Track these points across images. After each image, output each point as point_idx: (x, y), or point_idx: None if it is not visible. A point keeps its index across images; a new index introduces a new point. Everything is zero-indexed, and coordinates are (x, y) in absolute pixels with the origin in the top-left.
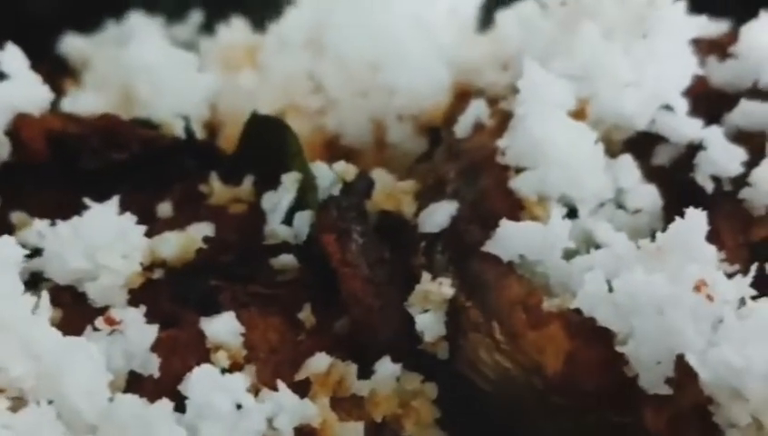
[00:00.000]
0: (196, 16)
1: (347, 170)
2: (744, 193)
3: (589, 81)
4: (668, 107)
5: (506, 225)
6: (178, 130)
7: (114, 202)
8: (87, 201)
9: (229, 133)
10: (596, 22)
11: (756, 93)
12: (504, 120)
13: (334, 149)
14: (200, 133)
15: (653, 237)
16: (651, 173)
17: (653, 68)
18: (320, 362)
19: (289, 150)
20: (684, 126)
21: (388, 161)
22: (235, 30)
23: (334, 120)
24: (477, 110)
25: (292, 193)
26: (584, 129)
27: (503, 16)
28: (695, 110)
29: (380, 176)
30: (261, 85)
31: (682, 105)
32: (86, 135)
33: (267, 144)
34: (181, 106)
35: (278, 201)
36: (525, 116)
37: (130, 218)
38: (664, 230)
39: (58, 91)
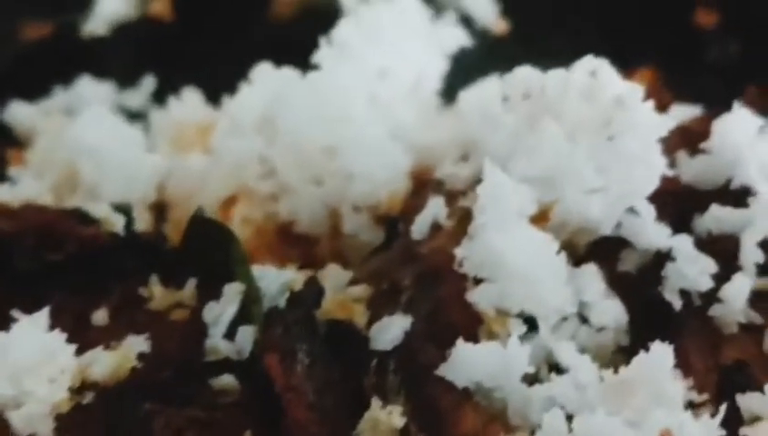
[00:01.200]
0: (149, 82)
1: (295, 278)
2: (715, 310)
3: (552, 185)
4: (634, 211)
5: (462, 348)
6: (118, 226)
7: (44, 314)
8: (16, 313)
9: (176, 217)
10: (560, 119)
11: (728, 193)
12: (463, 220)
13: (287, 236)
14: (146, 218)
15: (617, 362)
16: (616, 281)
17: (619, 171)
18: None
19: (233, 258)
20: (651, 233)
21: (343, 250)
22: (187, 104)
23: (287, 206)
24: (435, 209)
25: (235, 306)
26: (546, 239)
27: (465, 97)
28: (663, 210)
29: (334, 274)
30: (212, 168)
31: (649, 211)
32: (21, 233)
33: (210, 249)
34: (127, 190)
35: (220, 313)
36: (484, 226)
37: (59, 336)
38: (629, 351)
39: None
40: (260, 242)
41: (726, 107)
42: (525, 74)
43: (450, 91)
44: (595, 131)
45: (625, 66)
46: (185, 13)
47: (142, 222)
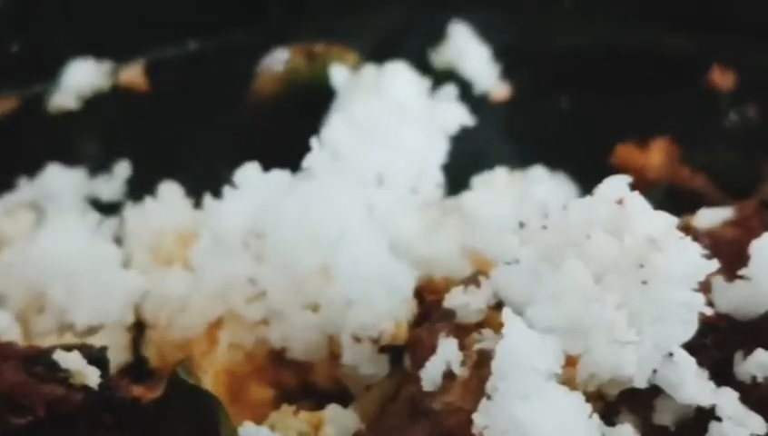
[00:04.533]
0: (122, 169)
1: None
2: None
3: (579, 336)
4: (672, 360)
5: None
6: (92, 379)
7: None
8: None
9: (156, 339)
10: (584, 255)
11: None
12: (478, 367)
13: (280, 362)
14: (123, 341)
15: None
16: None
17: (654, 319)
18: None
19: (218, 427)
20: (691, 388)
21: (342, 376)
22: (165, 203)
23: (279, 332)
24: (446, 354)
25: None
26: (575, 403)
27: (470, 200)
28: (701, 352)
29: (336, 416)
30: (195, 288)
31: (688, 363)
32: None
33: (194, 418)
34: (101, 312)
35: None
36: (505, 391)
37: None
38: None
39: None
40: (250, 368)
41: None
42: (541, 195)
43: (454, 177)
44: (625, 273)
45: (638, 134)
46: (160, 82)
47: (119, 348)
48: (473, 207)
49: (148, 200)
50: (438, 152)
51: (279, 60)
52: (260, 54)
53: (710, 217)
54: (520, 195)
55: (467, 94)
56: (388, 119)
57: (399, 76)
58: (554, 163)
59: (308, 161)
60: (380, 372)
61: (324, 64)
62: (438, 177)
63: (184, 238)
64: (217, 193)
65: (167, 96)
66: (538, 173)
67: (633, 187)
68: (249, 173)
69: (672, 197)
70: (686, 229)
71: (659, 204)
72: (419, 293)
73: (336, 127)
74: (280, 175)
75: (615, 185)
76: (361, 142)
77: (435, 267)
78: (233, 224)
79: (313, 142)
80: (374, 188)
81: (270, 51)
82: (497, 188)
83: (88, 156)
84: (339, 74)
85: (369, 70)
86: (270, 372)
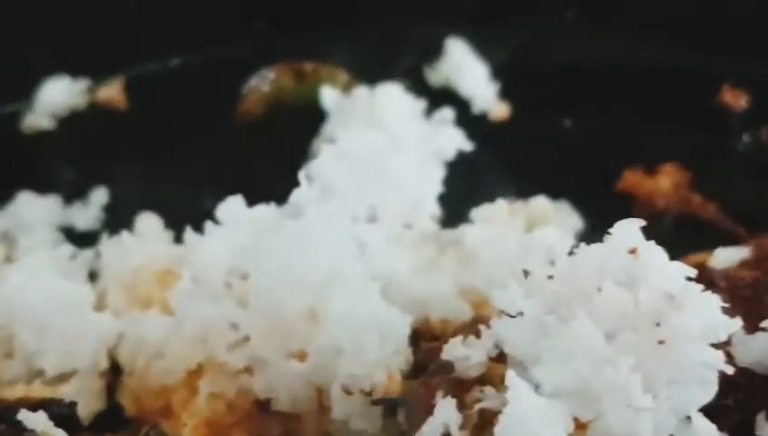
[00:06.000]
0: (99, 196)
1: None
2: None
3: (590, 400)
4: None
5: None
6: None
7: None
8: None
9: (132, 386)
10: (594, 309)
11: None
12: (480, 429)
13: (265, 413)
14: (96, 387)
15: None
16: None
17: (671, 381)
18: None
19: None
20: None
21: (332, 430)
22: (143, 236)
23: (263, 382)
24: (445, 415)
25: None
26: None
27: (469, 236)
28: (719, 412)
29: None
30: (174, 332)
31: (708, 429)
32: None
33: None
34: (73, 357)
35: None
36: None
37: None
38: None
39: None
40: (232, 419)
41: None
42: (547, 239)
43: (450, 207)
44: (640, 332)
45: (646, 157)
46: (140, 100)
47: (92, 395)
48: (472, 244)
49: (125, 234)
50: (434, 182)
51: (265, 79)
52: (246, 71)
53: (726, 257)
54: (522, 231)
55: (464, 113)
56: (381, 148)
57: (393, 99)
58: (557, 191)
59: (295, 196)
60: (372, 427)
61: (314, 84)
62: (433, 209)
63: (163, 277)
64: (199, 225)
65: (147, 115)
66: (541, 203)
67: (641, 216)
68: (232, 207)
69: (682, 227)
70: (702, 269)
71: (669, 235)
72: (414, 338)
73: (325, 159)
74: (265, 210)
75: (628, 231)
76: (352, 174)
77: (431, 308)
78: (215, 264)
79: (301, 176)
80: (366, 224)
81: (257, 67)
82: (498, 222)
83: (63, 181)
84: (329, 96)
85: (361, 92)
86: (253, 424)
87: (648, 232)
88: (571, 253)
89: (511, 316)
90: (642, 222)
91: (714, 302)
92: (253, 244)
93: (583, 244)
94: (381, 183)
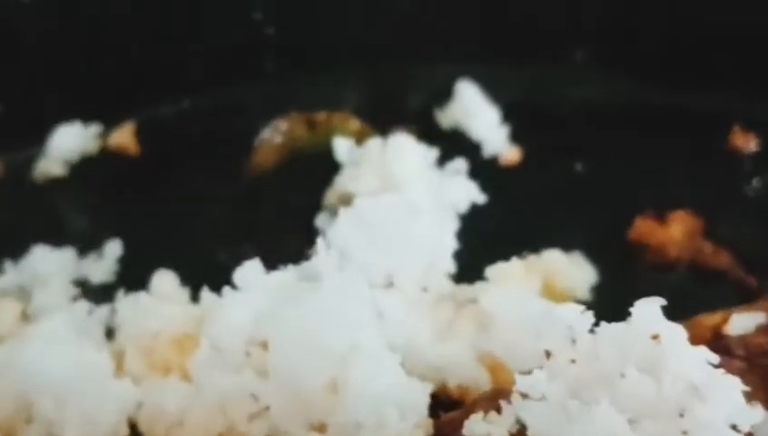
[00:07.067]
0: (113, 248)
1: None
2: None
3: None
4: None
5: None
6: None
7: None
8: None
9: None
10: (616, 396)
11: None
12: None
13: None
14: None
15: None
16: None
17: None
18: None
19: None
20: None
21: None
22: (160, 295)
23: None
24: None
25: None
26: None
27: (486, 301)
28: None
29: None
30: (194, 401)
31: None
32: None
33: None
34: (92, 425)
35: None
36: None
37: None
38: None
39: None
40: None
41: None
42: (567, 317)
43: (465, 261)
44: (663, 420)
45: (657, 202)
46: (152, 143)
47: None
48: (488, 307)
49: (141, 295)
50: (449, 239)
51: (278, 130)
52: (257, 113)
53: (743, 323)
54: (537, 289)
55: (475, 157)
56: (397, 210)
57: (404, 150)
58: (570, 240)
59: (313, 263)
60: None
61: (326, 133)
62: (449, 266)
63: (182, 342)
64: (214, 281)
65: (159, 160)
66: (555, 258)
67: (653, 266)
68: (249, 272)
69: (695, 277)
70: (718, 336)
71: (682, 285)
72: (433, 405)
73: (342, 225)
74: (282, 276)
75: (649, 313)
76: (369, 239)
77: (449, 375)
78: (234, 331)
79: (318, 242)
80: (383, 290)
81: (268, 110)
82: (513, 282)
83: (77, 231)
84: (342, 147)
85: (374, 143)
86: None
87: (661, 283)
88: (592, 331)
89: (534, 399)
90: (662, 301)
91: (737, 390)
92: (272, 312)
93: (603, 324)
94: (398, 246)
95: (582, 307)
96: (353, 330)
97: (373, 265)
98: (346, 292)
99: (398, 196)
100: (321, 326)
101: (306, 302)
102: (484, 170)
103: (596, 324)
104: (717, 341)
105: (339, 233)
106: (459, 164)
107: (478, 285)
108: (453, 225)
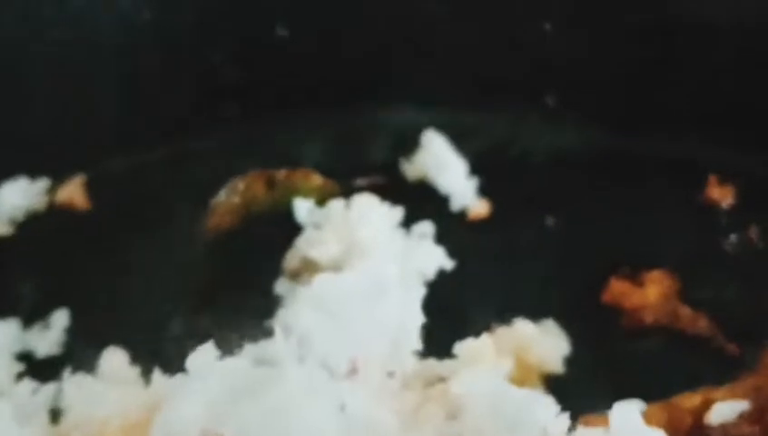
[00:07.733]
0: (60, 318)
1: None
2: None
3: None
4: None
5: None
6: None
7: None
8: None
9: None
10: None
11: None
12: None
13: None
14: None
15: None
16: None
17: None
18: None
19: None
20: None
21: None
22: (108, 379)
23: None
24: None
25: None
26: None
27: (460, 382)
28: None
29: None
30: None
31: None
32: None
33: None
34: None
35: None
36: None
37: None
38: None
39: None
40: None
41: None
42: (542, 417)
43: (431, 334)
44: None
45: (632, 259)
46: (102, 198)
47: None
48: (457, 392)
49: (89, 379)
50: (416, 315)
51: (235, 191)
52: (213, 163)
53: (724, 412)
54: (509, 365)
55: (442, 212)
56: (359, 288)
57: (368, 212)
58: (541, 302)
59: (271, 346)
60: None
61: (286, 192)
62: (415, 344)
63: (131, 431)
64: (168, 356)
65: (110, 216)
66: (526, 329)
67: (628, 333)
68: (202, 358)
69: (673, 345)
70: (699, 423)
71: (659, 355)
72: None
73: (301, 308)
74: (238, 363)
75: (629, 419)
76: (330, 323)
77: None
78: (187, 422)
79: (277, 328)
80: (345, 380)
81: (224, 160)
82: (482, 360)
83: (22, 297)
84: (302, 208)
85: (336, 205)
86: None
87: (637, 353)
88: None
89: None
90: (641, 405)
91: None
92: (228, 402)
93: (580, 429)
94: (362, 327)
95: (557, 407)
96: (313, 425)
97: (335, 352)
98: (306, 386)
99: (360, 270)
100: (280, 422)
101: (264, 396)
102: (452, 226)
103: (573, 418)
104: (698, 429)
105: (298, 317)
106: (426, 227)
107: (447, 363)
108: (420, 297)
